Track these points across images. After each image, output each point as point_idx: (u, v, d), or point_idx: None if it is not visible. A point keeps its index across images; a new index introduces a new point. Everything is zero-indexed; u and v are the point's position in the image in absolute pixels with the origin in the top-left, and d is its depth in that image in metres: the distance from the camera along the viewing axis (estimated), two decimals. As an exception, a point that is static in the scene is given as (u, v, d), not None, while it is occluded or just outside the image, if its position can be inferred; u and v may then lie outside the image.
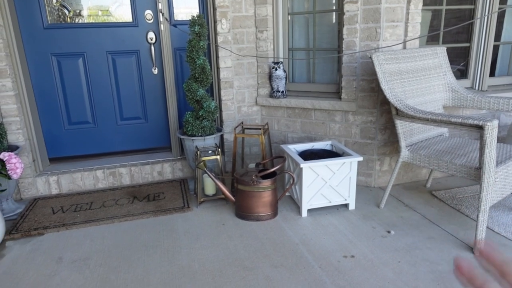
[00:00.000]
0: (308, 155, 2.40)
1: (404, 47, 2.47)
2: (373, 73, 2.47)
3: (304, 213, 2.27)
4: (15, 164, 2.11)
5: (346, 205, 2.37)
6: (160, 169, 2.90)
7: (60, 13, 2.75)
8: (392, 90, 2.12)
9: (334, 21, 2.77)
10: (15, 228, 2.23)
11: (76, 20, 2.81)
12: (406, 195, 2.53)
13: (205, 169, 2.27)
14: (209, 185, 2.49)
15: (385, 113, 2.52)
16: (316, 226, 2.15)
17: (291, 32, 2.93)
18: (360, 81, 2.52)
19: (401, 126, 2.16)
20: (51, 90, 2.81)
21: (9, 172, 2.09)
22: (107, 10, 2.84)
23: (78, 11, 2.79)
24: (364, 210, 2.32)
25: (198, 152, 2.43)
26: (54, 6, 2.71)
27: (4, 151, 2.28)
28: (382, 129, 2.55)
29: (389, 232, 2.06)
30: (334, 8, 2.74)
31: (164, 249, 1.97)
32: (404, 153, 2.17)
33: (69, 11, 2.77)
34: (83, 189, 2.79)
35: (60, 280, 1.75)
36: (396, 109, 2.12)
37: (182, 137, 2.60)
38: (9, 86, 2.48)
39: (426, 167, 2.08)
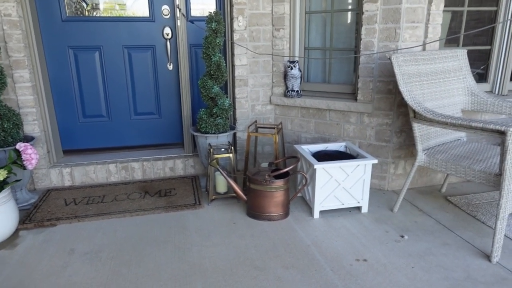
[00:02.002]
0: (322, 156, 2.38)
1: (424, 49, 2.42)
2: (391, 75, 2.42)
3: (316, 215, 2.24)
4: (31, 155, 2.13)
5: (359, 208, 2.33)
6: (172, 165, 2.90)
7: (78, 6, 2.77)
8: (411, 93, 2.08)
9: (352, 20, 2.73)
10: (28, 218, 2.25)
11: (94, 14, 2.82)
12: (420, 199, 2.48)
13: (218, 166, 2.26)
14: (221, 183, 2.48)
15: (402, 116, 2.47)
16: (328, 228, 2.13)
17: (307, 31, 2.90)
18: (377, 83, 2.48)
19: (419, 129, 2.12)
20: (67, 83, 2.83)
21: (24, 162, 2.11)
22: (125, 4, 2.84)
23: (95, 4, 2.80)
24: (377, 214, 2.29)
25: (211, 149, 2.42)
26: (73, -1, 2.73)
27: (20, 141, 2.30)
28: (398, 132, 2.51)
29: (402, 236, 2.03)
30: (352, 7, 2.70)
31: (175, 245, 1.97)
32: (421, 157, 2.13)
33: (87, 4, 2.78)
34: (96, 182, 2.80)
35: (73, 271, 1.76)
36: (414, 112, 2.08)
37: (195, 134, 2.59)
38: (27, 77, 2.50)
39: (443, 171, 2.04)
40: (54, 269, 1.78)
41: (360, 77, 2.54)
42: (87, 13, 2.80)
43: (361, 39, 2.49)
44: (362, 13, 2.45)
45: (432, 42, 2.41)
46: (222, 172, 2.24)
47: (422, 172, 2.66)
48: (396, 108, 2.46)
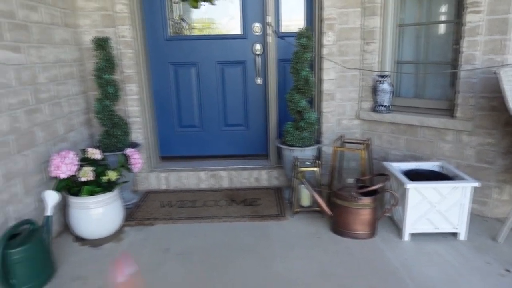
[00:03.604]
0: (413, 175, 2.25)
1: (538, 62, 2.18)
2: (496, 90, 2.22)
3: (406, 237, 2.12)
4: (137, 159, 2.39)
5: (454, 234, 2.15)
6: (257, 176, 3.00)
7: (180, 26, 3.05)
8: (522, 111, 1.88)
9: (448, 32, 2.57)
10: (131, 216, 2.51)
11: (192, 33, 3.08)
12: (529, 230, 2.20)
13: (303, 180, 2.28)
14: (305, 196, 2.50)
15: (509, 135, 2.24)
16: (419, 252, 2.00)
17: (399, 44, 2.80)
18: (479, 99, 2.29)
19: (531, 151, 1.90)
20: (167, 95, 3.12)
21: (131, 166, 2.37)
22: (219, 23, 3.05)
23: (194, 24, 3.06)
24: (477, 242, 2.09)
25: (297, 162, 2.45)
26: (176, 20, 3.01)
27: (128, 147, 2.59)
28: (504, 153, 2.27)
29: (508, 271, 1.82)
30: (450, 18, 2.55)
31: (260, 254, 2.03)
32: (533, 182, 1.90)
33: (187, 24, 3.05)
34: (187, 187, 3.02)
35: (167, 269, 1.92)
36: (526, 132, 1.87)
37: (281, 146, 2.65)
38: (135, 90, 2.82)
39: (562, 201, 1.79)
40: (152, 265, 1.96)
41: (460, 92, 2.37)
42: (186, 32, 3.07)
43: (461, 52, 2.33)
44: (463, 24, 2.30)
45: (549, 54, 2.16)
46: (308, 185, 2.26)
47: (532, 199, 2.37)
48: (501, 127, 2.24)
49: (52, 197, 1.96)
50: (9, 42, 1.93)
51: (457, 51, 2.41)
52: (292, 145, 2.60)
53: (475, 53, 2.28)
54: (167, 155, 3.24)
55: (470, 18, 2.27)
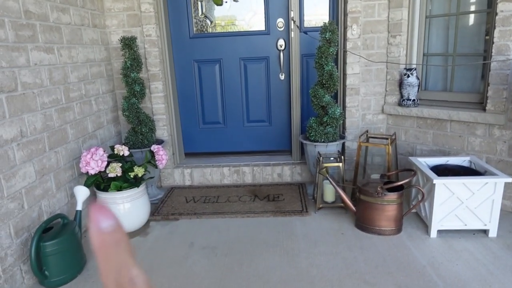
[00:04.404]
0: (441, 171, 2.19)
1: None
2: (531, 82, 2.12)
3: (433, 234, 2.07)
4: (162, 156, 2.44)
5: (485, 231, 2.08)
6: (280, 171, 3.00)
7: (204, 24, 3.08)
8: (559, 103, 1.78)
9: (479, 22, 2.47)
10: (156, 211, 2.57)
11: (216, 30, 3.10)
12: None
13: (327, 175, 2.27)
14: (329, 192, 2.48)
15: (545, 129, 2.14)
16: (447, 250, 1.95)
17: (427, 36, 2.72)
18: (513, 91, 2.20)
19: None
20: (191, 93, 3.16)
21: (157, 162, 2.43)
22: (243, 20, 3.06)
23: (217, 21, 3.08)
24: (509, 240, 2.01)
25: (321, 158, 2.43)
26: (200, 18, 3.05)
27: (153, 144, 2.65)
28: (539, 147, 2.17)
29: (543, 270, 1.74)
30: (482, 8, 2.45)
31: (283, 250, 2.03)
32: None
33: (211, 22, 3.08)
34: (211, 183, 3.06)
35: (192, 262, 1.96)
36: None
37: (304, 142, 2.64)
38: (160, 88, 2.88)
39: None
40: (177, 259, 2.00)
41: (491, 84, 2.28)
42: (210, 30, 3.10)
43: (493, 43, 2.24)
44: (496, 14, 2.20)
45: None
46: (332, 181, 2.24)
47: None
48: (537, 120, 2.14)
49: (82, 192, 2.04)
50: (42, 44, 2.01)
51: (488, 42, 2.32)
52: (315, 141, 2.58)
53: (509, 43, 2.18)
54: (191, 152, 3.29)
55: (503, 7, 2.17)
